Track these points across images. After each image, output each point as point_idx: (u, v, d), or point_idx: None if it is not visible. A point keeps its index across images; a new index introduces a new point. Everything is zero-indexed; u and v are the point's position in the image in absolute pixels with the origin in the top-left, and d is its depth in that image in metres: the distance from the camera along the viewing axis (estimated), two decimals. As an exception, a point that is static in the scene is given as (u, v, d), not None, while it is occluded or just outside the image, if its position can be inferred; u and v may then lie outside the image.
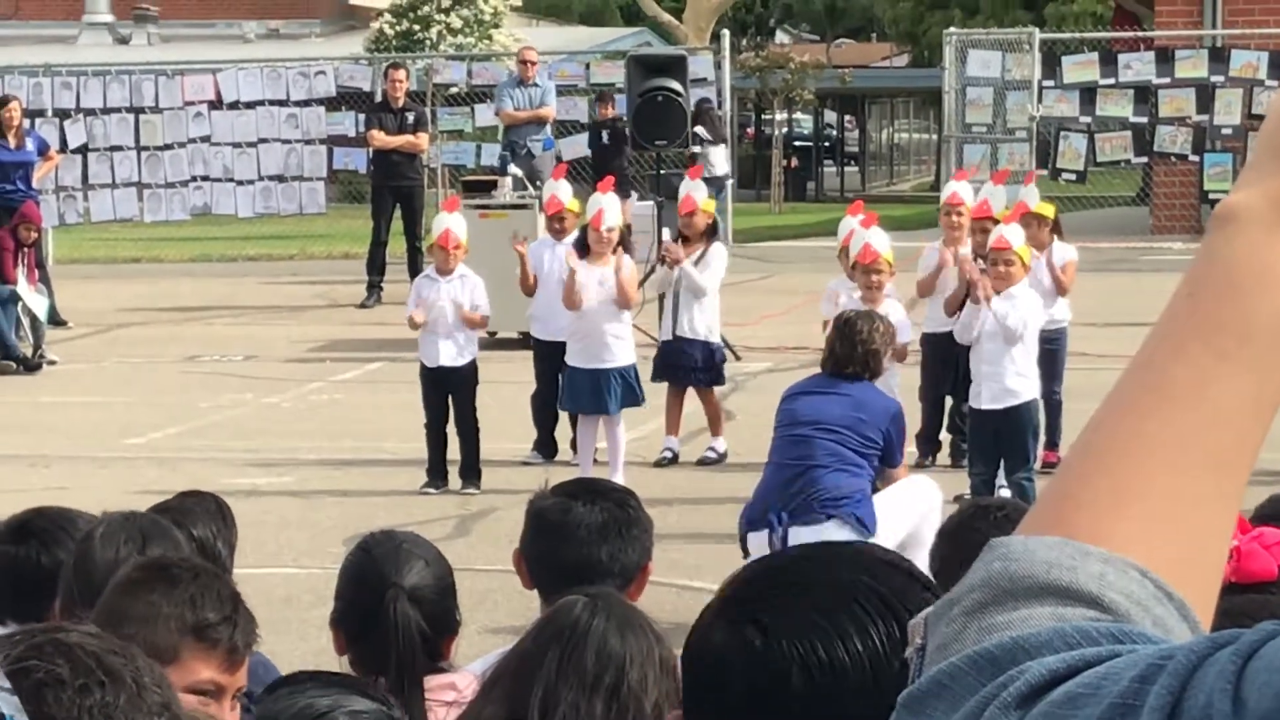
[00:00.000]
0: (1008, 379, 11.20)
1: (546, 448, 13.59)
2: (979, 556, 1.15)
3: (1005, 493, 10.53)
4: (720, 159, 23.11)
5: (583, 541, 4.34)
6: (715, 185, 15.26)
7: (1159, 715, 0.96)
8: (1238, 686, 0.94)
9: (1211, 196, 24.64)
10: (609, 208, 12.83)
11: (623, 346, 12.78)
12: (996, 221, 12.14)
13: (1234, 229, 1.21)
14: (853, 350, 9.03)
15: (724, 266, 13.84)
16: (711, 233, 13.84)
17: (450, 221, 12.68)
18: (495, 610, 9.14)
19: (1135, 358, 1.21)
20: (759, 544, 8.92)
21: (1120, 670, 1.00)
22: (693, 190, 13.96)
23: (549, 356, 13.41)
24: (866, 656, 1.84)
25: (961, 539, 4.32)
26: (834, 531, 8.78)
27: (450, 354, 12.57)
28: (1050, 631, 1.07)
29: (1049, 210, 13.25)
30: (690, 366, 13.60)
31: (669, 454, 13.50)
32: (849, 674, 1.84)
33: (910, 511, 8.97)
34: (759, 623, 1.85)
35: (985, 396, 11.25)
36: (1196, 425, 1.16)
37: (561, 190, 13.64)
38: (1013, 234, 11.46)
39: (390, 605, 4.10)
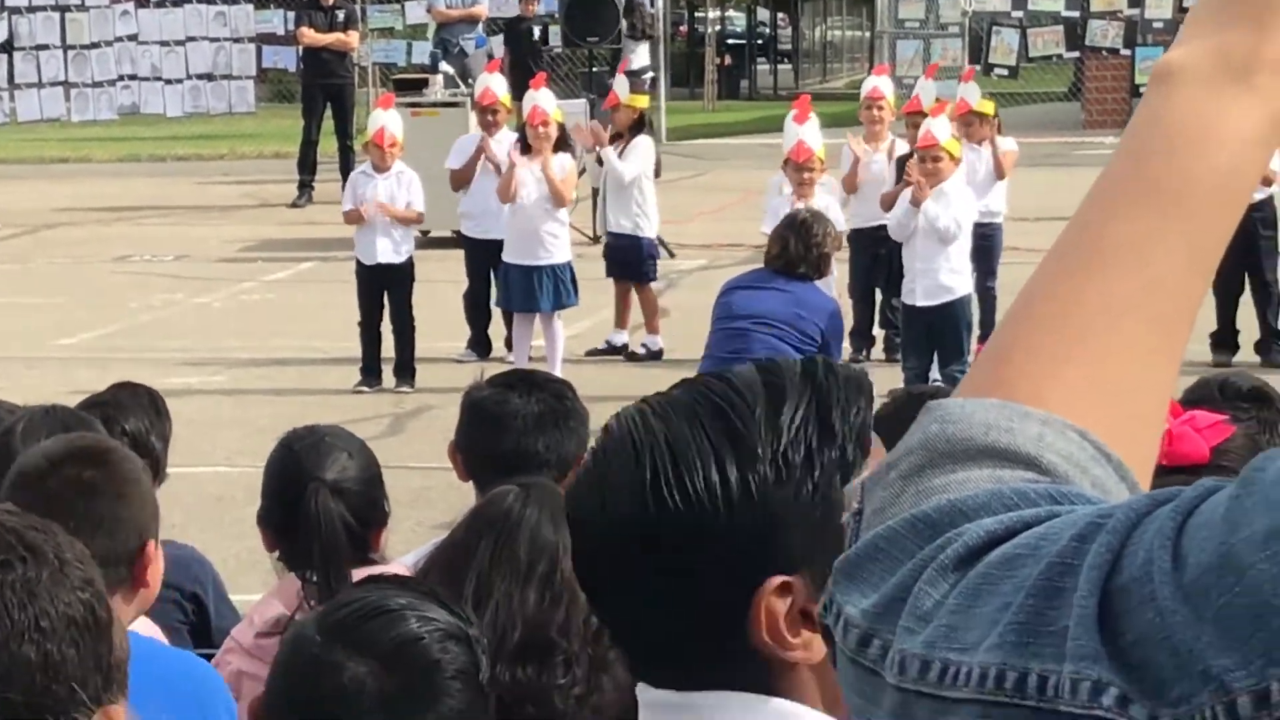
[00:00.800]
0: (942, 275, 11.22)
1: (481, 345, 13.56)
2: (916, 420, 1.13)
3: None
4: (642, 54, 22.94)
5: (519, 432, 4.31)
6: (632, 79, 15.19)
7: (1098, 573, 0.95)
8: (1177, 543, 0.93)
9: (1143, 91, 24.64)
10: (544, 102, 12.77)
11: (558, 245, 12.75)
12: (925, 115, 12.15)
13: (1171, 86, 1.19)
14: (807, 251, 9.08)
15: (648, 158, 13.78)
16: (638, 126, 13.83)
17: (386, 119, 12.62)
18: (430, 508, 9.13)
19: (1072, 219, 1.19)
20: (694, 438, 8.93)
21: (1059, 530, 0.99)
22: (618, 86, 13.96)
23: (481, 254, 13.36)
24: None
25: (895, 427, 4.31)
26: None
27: (387, 250, 12.51)
28: (988, 494, 1.05)
29: (989, 107, 13.33)
30: (621, 261, 13.65)
31: (605, 345, 13.58)
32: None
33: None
34: None
35: (919, 293, 11.27)
36: (1135, 286, 1.14)
37: (495, 83, 13.55)
38: (939, 128, 11.45)
39: (311, 499, 4.08)
